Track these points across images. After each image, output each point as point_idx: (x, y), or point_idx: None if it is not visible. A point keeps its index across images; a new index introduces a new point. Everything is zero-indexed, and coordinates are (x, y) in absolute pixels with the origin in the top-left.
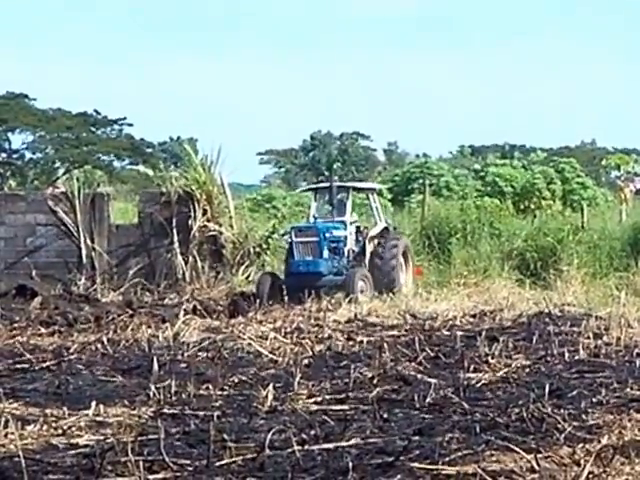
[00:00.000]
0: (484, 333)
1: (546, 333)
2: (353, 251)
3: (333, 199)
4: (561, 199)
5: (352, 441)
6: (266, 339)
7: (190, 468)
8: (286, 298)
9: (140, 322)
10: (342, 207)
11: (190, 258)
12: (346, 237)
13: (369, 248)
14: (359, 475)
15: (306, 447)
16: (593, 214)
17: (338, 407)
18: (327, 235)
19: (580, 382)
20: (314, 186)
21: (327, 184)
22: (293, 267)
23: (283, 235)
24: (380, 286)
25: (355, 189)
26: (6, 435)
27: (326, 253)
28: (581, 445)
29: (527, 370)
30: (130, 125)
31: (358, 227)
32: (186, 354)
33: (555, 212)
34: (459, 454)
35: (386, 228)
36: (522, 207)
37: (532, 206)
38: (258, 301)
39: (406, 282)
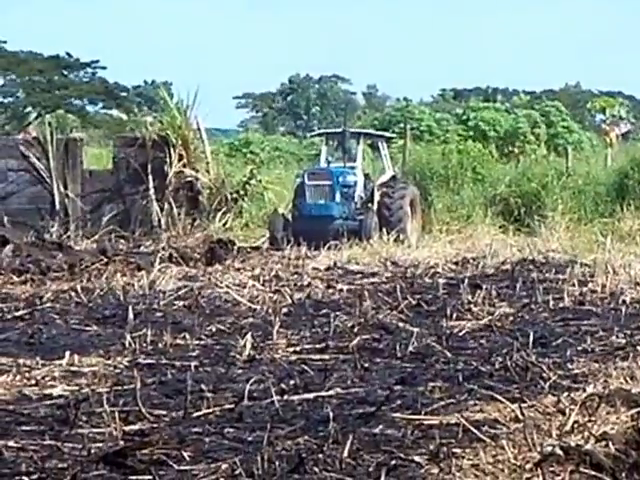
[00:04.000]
0: (467, 281)
1: (530, 280)
2: (361, 198)
3: (346, 145)
4: (546, 143)
5: (332, 391)
6: (244, 287)
7: (167, 419)
8: (300, 240)
9: (115, 270)
10: (352, 153)
11: (166, 205)
12: (356, 183)
13: (377, 196)
14: (340, 425)
15: (285, 397)
16: (578, 159)
17: (318, 356)
18: (340, 180)
19: (565, 330)
20: (326, 131)
21: (339, 130)
22: (305, 210)
23: (296, 177)
24: (387, 234)
25: (366, 135)
26: None
27: (338, 197)
28: (566, 394)
29: (511, 318)
30: (103, 68)
31: (366, 174)
32: (162, 303)
33: (539, 157)
34: (442, 404)
35: (394, 176)
36: (506, 152)
37: (516, 150)
38: (271, 241)
39: (412, 231)
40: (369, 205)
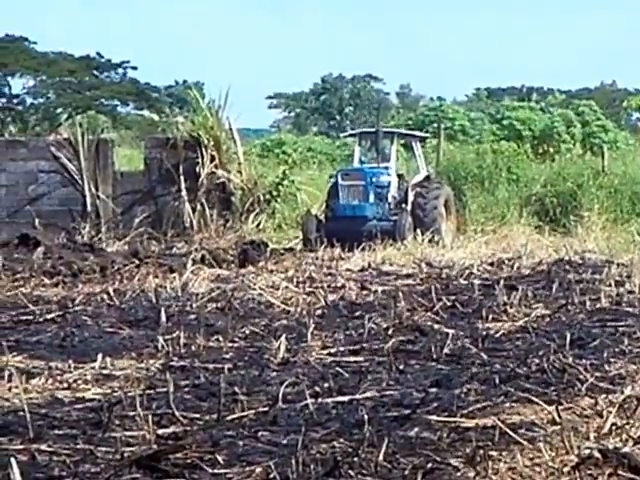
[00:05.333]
0: (502, 282)
1: (566, 281)
2: (394, 198)
3: (379, 144)
4: (581, 142)
5: (367, 393)
6: (278, 289)
7: (200, 422)
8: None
9: (147, 272)
10: (386, 153)
11: (198, 206)
12: (390, 183)
13: (411, 196)
14: (375, 428)
15: (320, 400)
16: (614, 158)
17: (352, 359)
18: (373, 180)
19: (602, 331)
20: (359, 131)
21: (373, 129)
22: (339, 211)
23: (330, 178)
24: (422, 234)
25: (400, 135)
26: (10, 389)
27: (372, 198)
28: (603, 396)
29: (547, 319)
30: (134, 68)
31: (400, 174)
32: (195, 305)
33: (575, 156)
34: (478, 406)
35: (428, 176)
36: (541, 151)
37: (551, 150)
38: (304, 243)
39: (447, 231)
40: (403, 206)
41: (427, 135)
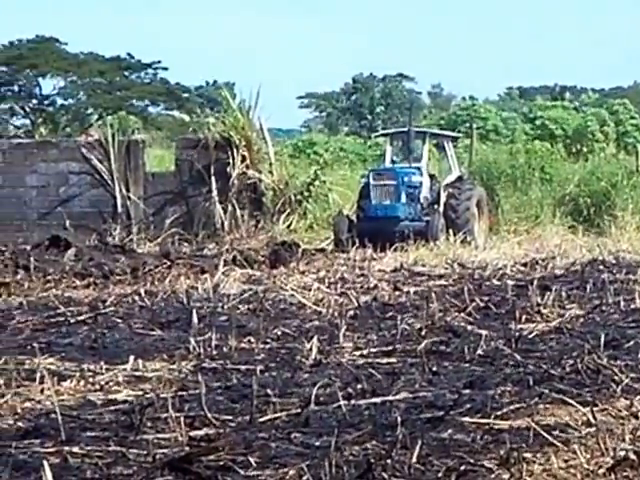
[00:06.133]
0: (536, 282)
1: (600, 281)
2: (426, 198)
3: (411, 144)
4: (615, 142)
5: (400, 395)
6: (309, 290)
7: (233, 424)
8: (365, 242)
9: (178, 273)
10: (417, 153)
11: (229, 206)
12: (421, 183)
13: (443, 197)
14: (408, 430)
15: (353, 402)
16: None
17: (385, 360)
18: (405, 180)
19: (637, 332)
20: (390, 131)
21: (404, 129)
22: (370, 211)
23: (361, 178)
24: (454, 235)
25: (432, 135)
26: (42, 391)
27: (404, 198)
28: (639, 397)
29: (581, 320)
30: (165, 69)
31: (432, 175)
32: (226, 306)
33: (609, 155)
34: (512, 408)
35: (460, 177)
36: (574, 151)
37: (584, 149)
38: (335, 243)
39: (479, 232)
40: (435, 206)
41: (459, 135)
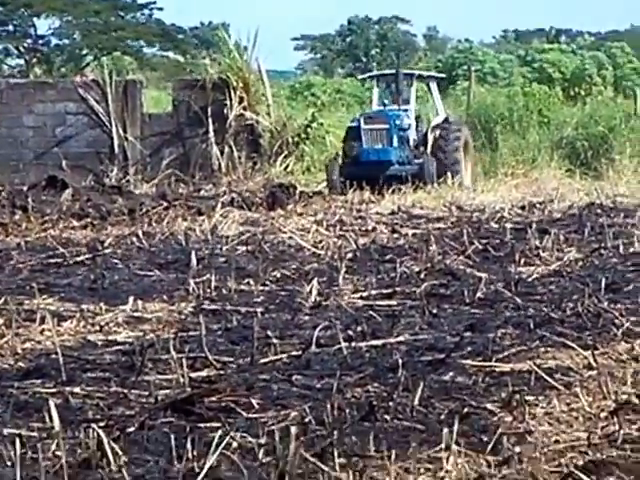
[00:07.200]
0: (534, 225)
1: (598, 225)
2: (415, 141)
3: (400, 86)
4: (612, 85)
5: (401, 338)
6: (308, 232)
7: (234, 366)
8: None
9: (175, 215)
10: (405, 95)
11: (226, 148)
12: (410, 126)
13: (431, 138)
14: (409, 373)
15: (353, 344)
16: None
17: (385, 302)
18: (397, 123)
19: (636, 276)
20: (377, 73)
21: (392, 71)
22: (362, 155)
23: (351, 122)
24: (441, 177)
25: (419, 77)
26: (42, 331)
27: (395, 141)
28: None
29: (580, 264)
30: (160, 9)
31: (418, 116)
32: (225, 248)
33: (606, 99)
34: (512, 351)
35: (446, 118)
36: (572, 94)
37: (582, 93)
38: (329, 187)
39: (467, 173)
40: (422, 149)
41: (443, 76)
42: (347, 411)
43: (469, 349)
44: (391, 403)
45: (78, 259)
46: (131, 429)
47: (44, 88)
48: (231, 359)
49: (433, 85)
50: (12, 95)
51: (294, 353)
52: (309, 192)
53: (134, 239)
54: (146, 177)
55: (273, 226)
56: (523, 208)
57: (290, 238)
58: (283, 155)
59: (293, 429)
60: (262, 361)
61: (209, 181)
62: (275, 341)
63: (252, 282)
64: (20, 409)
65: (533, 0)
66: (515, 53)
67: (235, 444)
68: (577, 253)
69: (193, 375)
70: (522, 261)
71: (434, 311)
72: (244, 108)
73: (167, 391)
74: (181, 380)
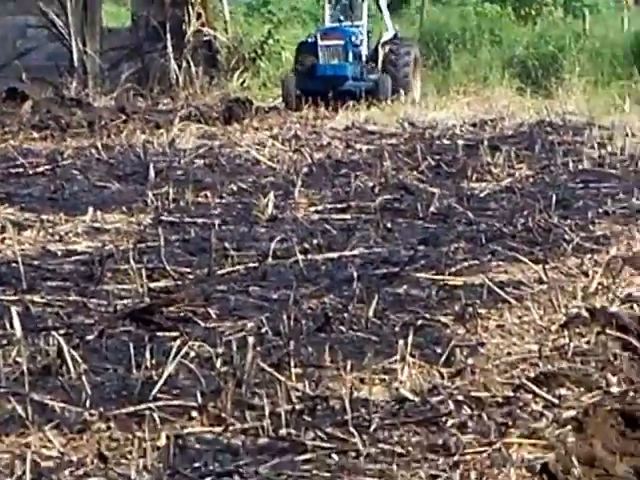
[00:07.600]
0: (486, 142)
1: (548, 142)
2: (366, 56)
3: (354, 2)
4: (562, 6)
5: (356, 251)
6: (264, 146)
7: (191, 276)
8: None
9: (134, 128)
10: (357, 12)
11: (184, 63)
12: (362, 42)
13: (381, 54)
14: (364, 285)
15: (309, 257)
16: (595, 21)
17: (340, 216)
18: (353, 39)
19: (586, 192)
20: None
21: None
22: (318, 70)
23: (308, 37)
24: (394, 93)
25: None
26: (3, 240)
27: (351, 57)
28: (589, 256)
29: (531, 180)
30: None
31: (369, 32)
32: (182, 161)
33: (557, 19)
34: (465, 264)
35: (396, 35)
36: (522, 13)
37: (533, 13)
38: (285, 102)
39: (416, 88)
40: (373, 64)
41: None
42: (303, 322)
43: (423, 262)
44: (346, 315)
45: (38, 170)
46: (90, 337)
47: (5, 1)
48: (189, 270)
49: (382, 1)
50: None
51: (251, 265)
52: (265, 107)
53: (93, 151)
54: (105, 90)
55: (230, 140)
56: (475, 125)
57: (247, 152)
58: (240, 70)
59: (250, 339)
60: (219, 272)
61: (167, 95)
62: (232, 253)
63: (209, 195)
64: None
65: None
66: None
67: (193, 353)
68: (528, 170)
69: (152, 285)
70: (474, 177)
71: (388, 225)
72: (202, 24)
73: (126, 301)
74: (140, 290)
